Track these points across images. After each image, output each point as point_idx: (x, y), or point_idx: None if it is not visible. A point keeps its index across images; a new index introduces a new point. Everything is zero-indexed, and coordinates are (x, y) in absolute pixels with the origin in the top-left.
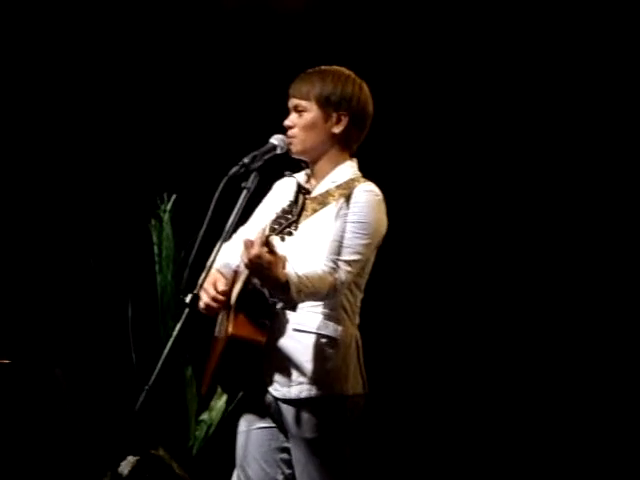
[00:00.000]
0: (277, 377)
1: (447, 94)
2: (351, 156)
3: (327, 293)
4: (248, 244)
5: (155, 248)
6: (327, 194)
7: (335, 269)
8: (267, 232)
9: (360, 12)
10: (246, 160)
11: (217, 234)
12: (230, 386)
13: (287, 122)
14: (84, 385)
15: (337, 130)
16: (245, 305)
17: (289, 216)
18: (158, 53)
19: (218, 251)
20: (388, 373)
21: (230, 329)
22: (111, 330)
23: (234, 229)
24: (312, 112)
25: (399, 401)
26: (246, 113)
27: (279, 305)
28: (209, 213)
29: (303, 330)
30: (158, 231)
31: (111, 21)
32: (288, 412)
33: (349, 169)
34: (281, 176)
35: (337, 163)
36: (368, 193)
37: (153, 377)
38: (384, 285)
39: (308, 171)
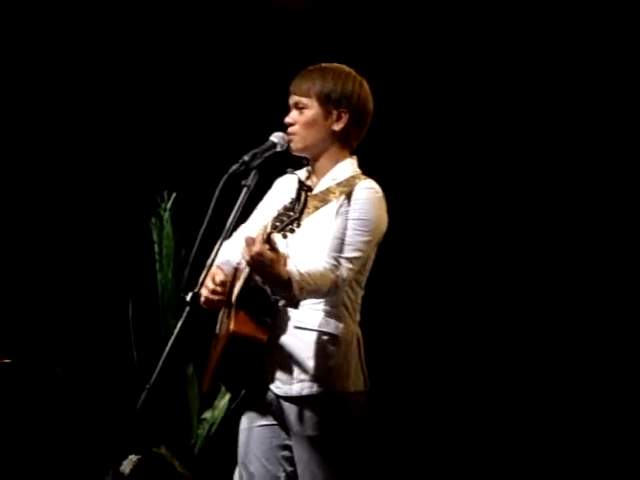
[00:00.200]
0: (278, 375)
1: (447, 92)
2: (351, 153)
3: (329, 290)
4: (249, 241)
5: (155, 246)
6: (328, 191)
7: (337, 266)
8: (269, 229)
9: (360, 9)
10: (246, 158)
11: (217, 232)
12: (232, 384)
13: (288, 119)
14: (85, 384)
15: (337, 127)
16: (246, 303)
17: (291, 213)
18: (158, 51)
19: (219, 249)
20: (389, 370)
21: (231, 327)
22: (112, 329)
23: (234, 227)
24: (313, 109)
25: (400, 398)
26: (246, 111)
27: (281, 303)
28: (209, 211)
29: (304, 327)
30: (158, 229)
31: (111, 20)
32: (290, 410)
33: (349, 166)
34: (281, 174)
35: (337, 160)
36: (369, 190)
37: (154, 376)
38: (385, 282)
39: (309, 168)
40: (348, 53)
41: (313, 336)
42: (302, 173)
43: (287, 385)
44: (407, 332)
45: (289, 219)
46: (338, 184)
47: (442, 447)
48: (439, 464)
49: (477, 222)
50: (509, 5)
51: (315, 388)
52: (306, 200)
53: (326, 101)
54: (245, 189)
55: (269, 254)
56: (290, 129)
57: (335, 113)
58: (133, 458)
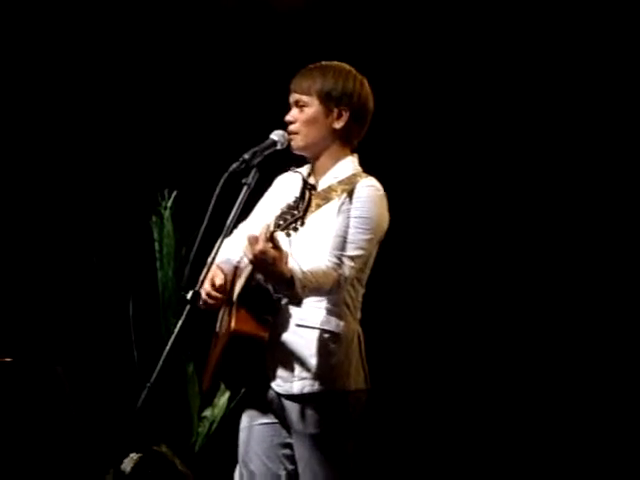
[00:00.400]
0: (279, 373)
1: (447, 90)
2: (352, 151)
3: (331, 288)
4: (252, 240)
5: (156, 245)
6: (330, 189)
7: (339, 264)
8: (272, 228)
9: (360, 8)
10: (246, 156)
11: (218, 230)
12: (233, 382)
13: (288, 117)
14: (86, 382)
15: (338, 125)
16: (248, 301)
17: (295, 212)
18: (159, 51)
19: (219, 247)
20: (390, 368)
21: (233, 325)
22: (112, 327)
23: (235, 225)
24: (313, 107)
25: (401, 396)
26: (246, 109)
27: (284, 301)
28: (210, 209)
29: (305, 325)
30: (159, 228)
31: (111, 20)
32: (291, 408)
33: (350, 164)
34: (281, 172)
35: (338, 159)
36: (370, 188)
37: (155, 374)
38: (385, 280)
39: (310, 167)
40: (348, 51)
41: (314, 334)
42: (303, 171)
43: (288, 383)
44: (408, 330)
45: (293, 217)
46: (340, 182)
47: (443, 445)
48: (439, 463)
49: (478, 220)
50: (509, 5)
51: (316, 386)
52: (310, 199)
53: (327, 99)
54: (245, 187)
55: (272, 252)
56: (291, 127)
57: (336, 111)
58: (134, 456)
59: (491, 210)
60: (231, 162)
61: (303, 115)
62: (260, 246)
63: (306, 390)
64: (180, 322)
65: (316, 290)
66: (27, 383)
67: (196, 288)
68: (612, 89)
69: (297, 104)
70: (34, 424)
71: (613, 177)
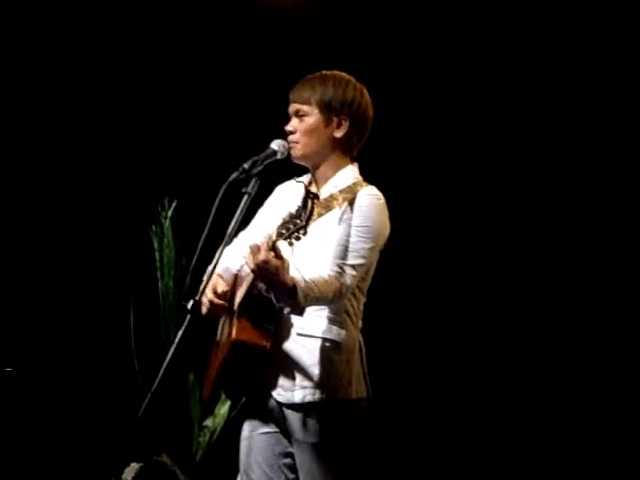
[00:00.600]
0: (281, 382)
1: (447, 98)
2: (352, 160)
3: (333, 297)
4: (255, 249)
5: (156, 254)
6: (331, 198)
7: (341, 273)
8: (274, 237)
9: (360, 17)
10: (246, 165)
11: (218, 240)
12: (234, 391)
13: (288, 127)
14: (87, 392)
15: (338, 134)
16: (249, 310)
17: (297, 221)
18: (159, 58)
19: (220, 257)
20: (391, 377)
21: (234, 334)
22: (113, 337)
23: (235, 234)
24: (313, 117)
25: (403, 405)
26: (246, 118)
27: (286, 310)
28: (210, 219)
29: (307, 334)
30: (159, 237)
31: (113, 23)
32: (292, 417)
33: (351, 173)
34: (281, 181)
35: (338, 167)
36: (371, 197)
37: (156, 383)
38: (386, 289)
39: (310, 176)
40: (348, 60)
41: (316, 343)
42: (304, 180)
43: (289, 392)
44: (409, 339)
45: (296, 226)
46: (340, 191)
47: (444, 454)
48: (441, 471)
49: (478, 229)
50: (508, 9)
51: (317, 395)
52: (312, 208)
53: (327, 108)
54: (246, 197)
55: (274, 262)
56: (291, 137)
57: (336, 120)
58: (135, 466)
59: (492, 221)
60: (231, 171)
61: (303, 125)
62: (262, 255)
63: (307, 399)
64: (181, 331)
65: (318, 299)
66: (28, 392)
67: (196, 297)
68: (612, 89)
69: (297, 114)
70: (36, 433)
71: (613, 177)
